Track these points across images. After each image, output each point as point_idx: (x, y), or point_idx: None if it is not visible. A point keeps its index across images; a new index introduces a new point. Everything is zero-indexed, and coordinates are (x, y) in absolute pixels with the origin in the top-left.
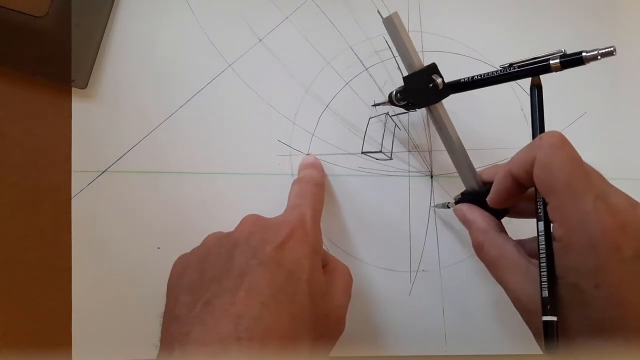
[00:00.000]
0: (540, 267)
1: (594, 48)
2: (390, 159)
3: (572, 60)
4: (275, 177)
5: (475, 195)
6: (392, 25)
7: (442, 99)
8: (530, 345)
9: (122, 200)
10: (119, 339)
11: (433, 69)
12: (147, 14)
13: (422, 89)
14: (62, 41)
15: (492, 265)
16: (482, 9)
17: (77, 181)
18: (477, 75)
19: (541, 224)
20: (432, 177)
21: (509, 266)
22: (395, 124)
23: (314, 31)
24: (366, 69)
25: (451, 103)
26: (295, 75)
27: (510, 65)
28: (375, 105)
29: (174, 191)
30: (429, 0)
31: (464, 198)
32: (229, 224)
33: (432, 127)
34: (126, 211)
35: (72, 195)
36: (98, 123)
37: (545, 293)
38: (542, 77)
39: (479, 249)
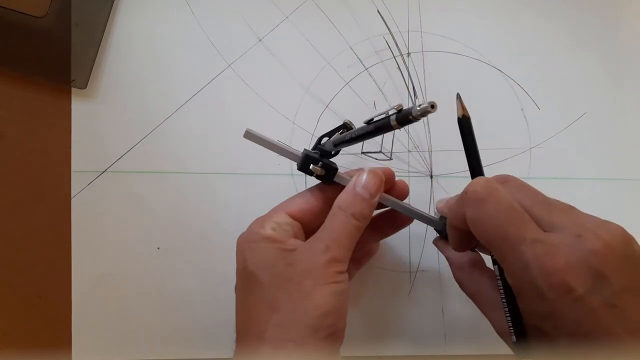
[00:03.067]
0: (504, 311)
1: (419, 105)
2: (390, 159)
3: (403, 120)
4: (275, 177)
5: (443, 232)
6: (253, 138)
7: (335, 173)
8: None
9: (122, 200)
10: (118, 339)
11: (307, 160)
12: (146, 15)
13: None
14: (62, 41)
15: (473, 300)
16: (482, 9)
17: (77, 181)
18: (354, 133)
19: (497, 267)
20: (431, 177)
21: (485, 302)
22: None
23: (314, 31)
24: (366, 69)
25: (451, 103)
26: (295, 75)
27: (369, 121)
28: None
29: (173, 191)
30: (428, 0)
31: (443, 220)
32: (228, 224)
33: (432, 128)
34: (126, 211)
35: (72, 195)
36: (98, 123)
37: (514, 338)
38: (543, 77)
39: (459, 285)
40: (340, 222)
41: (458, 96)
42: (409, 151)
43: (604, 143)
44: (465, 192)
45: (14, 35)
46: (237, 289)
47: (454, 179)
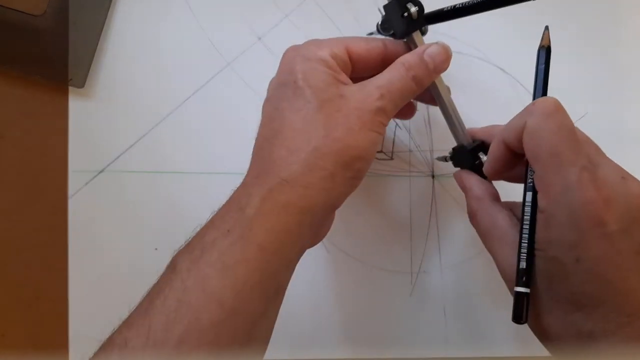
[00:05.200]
0: (521, 237)
1: None
2: (391, 159)
3: None
4: None
5: (465, 150)
6: None
7: (417, 29)
8: (532, 346)
9: (119, 200)
10: None
11: None
12: (145, 13)
13: (398, 19)
14: (60, 40)
15: (483, 235)
16: None
17: (74, 181)
18: (458, 4)
19: (529, 194)
20: (433, 177)
21: (499, 237)
22: (396, 124)
23: (314, 30)
24: None
25: (454, 101)
26: None
27: None
28: (368, 34)
29: (171, 191)
30: None
31: (454, 153)
32: None
33: (433, 127)
34: (123, 211)
35: (69, 195)
36: (95, 122)
37: (523, 264)
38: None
39: (472, 217)
40: (399, 77)
41: (546, 28)
42: (410, 151)
43: (605, 143)
44: (533, 103)
45: (11, 34)
46: (273, 99)
47: None
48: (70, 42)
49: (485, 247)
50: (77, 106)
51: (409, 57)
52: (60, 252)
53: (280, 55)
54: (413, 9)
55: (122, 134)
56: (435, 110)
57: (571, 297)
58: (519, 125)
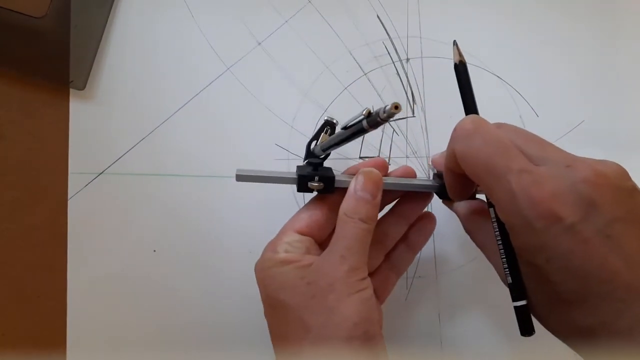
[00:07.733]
0: (500, 254)
1: (385, 107)
2: (388, 164)
3: (373, 122)
4: None
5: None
6: (246, 178)
7: (332, 187)
8: (526, 352)
9: (119, 202)
10: (113, 341)
11: (303, 180)
12: (146, 17)
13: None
14: (61, 42)
15: (481, 249)
16: (482, 16)
17: (74, 183)
18: (329, 146)
19: (492, 210)
20: None
21: (492, 249)
22: (394, 130)
23: (313, 35)
24: (365, 74)
25: (451, 108)
26: (293, 79)
27: (345, 126)
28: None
29: (170, 194)
30: (428, 6)
31: (439, 177)
32: (225, 228)
33: (430, 133)
34: (122, 214)
35: (69, 197)
36: (96, 124)
37: (510, 279)
38: (542, 84)
39: (469, 234)
40: (349, 229)
41: (455, 43)
42: (407, 157)
43: (601, 151)
44: (454, 129)
45: (12, 36)
46: (266, 315)
47: None
48: (72, 45)
49: (486, 258)
50: (78, 108)
51: (346, 204)
52: (60, 252)
53: (280, 60)
54: (316, 185)
55: (122, 137)
56: (432, 117)
57: (559, 296)
58: (452, 153)
